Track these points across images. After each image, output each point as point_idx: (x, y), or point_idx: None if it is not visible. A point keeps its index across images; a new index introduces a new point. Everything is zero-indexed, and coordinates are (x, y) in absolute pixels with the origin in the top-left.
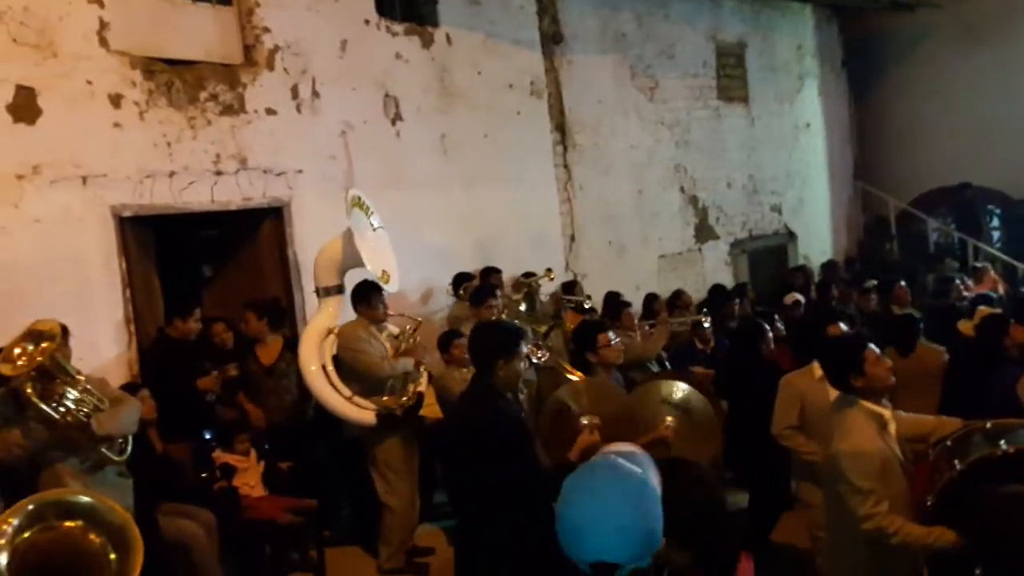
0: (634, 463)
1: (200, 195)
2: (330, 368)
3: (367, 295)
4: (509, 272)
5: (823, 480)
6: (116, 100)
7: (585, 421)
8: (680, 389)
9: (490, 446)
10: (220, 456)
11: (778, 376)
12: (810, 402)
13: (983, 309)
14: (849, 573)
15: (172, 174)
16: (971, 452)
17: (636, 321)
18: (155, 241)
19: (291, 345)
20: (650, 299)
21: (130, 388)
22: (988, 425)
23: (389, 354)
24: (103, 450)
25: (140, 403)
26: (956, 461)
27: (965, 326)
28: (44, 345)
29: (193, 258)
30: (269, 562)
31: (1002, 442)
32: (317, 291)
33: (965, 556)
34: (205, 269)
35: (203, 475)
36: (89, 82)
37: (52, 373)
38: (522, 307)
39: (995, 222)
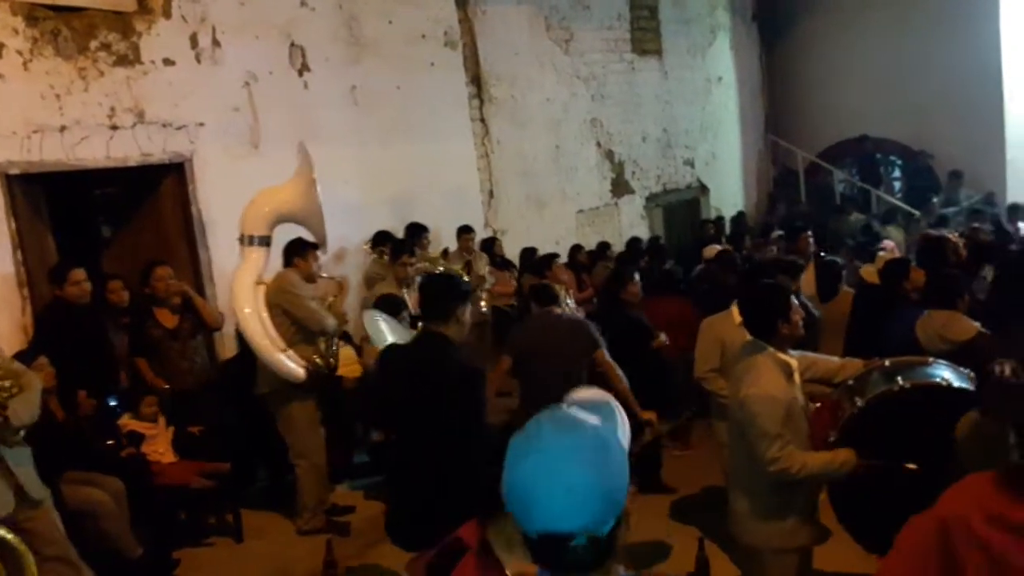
0: (595, 412)
1: (95, 151)
2: (264, 314)
3: (304, 250)
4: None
5: (730, 421)
6: None
7: None
8: None
9: (447, 392)
10: (127, 423)
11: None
12: (729, 347)
13: (884, 255)
14: (751, 508)
15: (63, 129)
16: (871, 389)
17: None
18: (48, 200)
19: (189, 306)
20: (574, 250)
21: (27, 355)
22: (887, 363)
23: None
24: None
25: (38, 371)
26: (857, 398)
27: (868, 272)
28: None
29: (91, 217)
30: (185, 528)
31: (899, 378)
32: (242, 239)
33: (863, 479)
34: (104, 229)
35: (109, 442)
36: None
37: None
38: (440, 264)
39: (896, 172)
